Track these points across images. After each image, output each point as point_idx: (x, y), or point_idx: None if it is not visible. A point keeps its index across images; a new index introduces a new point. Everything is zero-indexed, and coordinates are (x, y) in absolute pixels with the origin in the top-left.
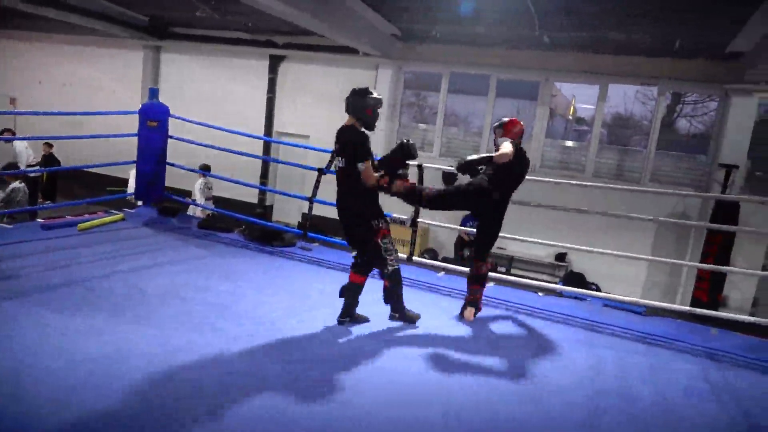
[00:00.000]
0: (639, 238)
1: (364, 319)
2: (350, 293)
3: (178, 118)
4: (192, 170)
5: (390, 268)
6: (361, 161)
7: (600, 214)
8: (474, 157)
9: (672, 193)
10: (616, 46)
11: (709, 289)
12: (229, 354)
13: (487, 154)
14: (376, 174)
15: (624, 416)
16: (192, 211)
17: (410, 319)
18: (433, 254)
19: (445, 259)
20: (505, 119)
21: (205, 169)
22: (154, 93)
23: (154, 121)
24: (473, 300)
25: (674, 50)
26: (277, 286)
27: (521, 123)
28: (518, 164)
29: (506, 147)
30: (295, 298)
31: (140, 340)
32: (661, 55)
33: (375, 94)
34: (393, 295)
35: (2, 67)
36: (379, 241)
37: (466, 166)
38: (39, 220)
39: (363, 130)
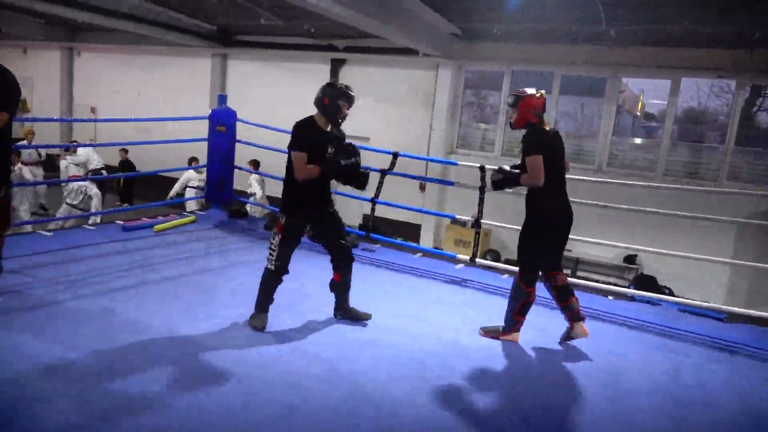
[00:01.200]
0: (718, 240)
1: (365, 317)
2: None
3: (245, 122)
4: (245, 169)
5: (267, 266)
6: (292, 149)
7: (671, 214)
8: (500, 177)
9: (750, 193)
10: (688, 38)
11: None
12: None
13: (516, 172)
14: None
15: (705, 425)
16: (252, 210)
17: (258, 322)
18: (495, 255)
19: (507, 261)
20: (523, 93)
21: (255, 165)
22: (222, 99)
23: (222, 125)
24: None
25: (753, 41)
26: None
27: (540, 95)
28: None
29: (536, 165)
30: (362, 297)
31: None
32: (739, 47)
33: (343, 88)
34: (259, 292)
35: (84, 79)
36: (271, 234)
37: (498, 187)
38: (119, 222)
39: (314, 122)
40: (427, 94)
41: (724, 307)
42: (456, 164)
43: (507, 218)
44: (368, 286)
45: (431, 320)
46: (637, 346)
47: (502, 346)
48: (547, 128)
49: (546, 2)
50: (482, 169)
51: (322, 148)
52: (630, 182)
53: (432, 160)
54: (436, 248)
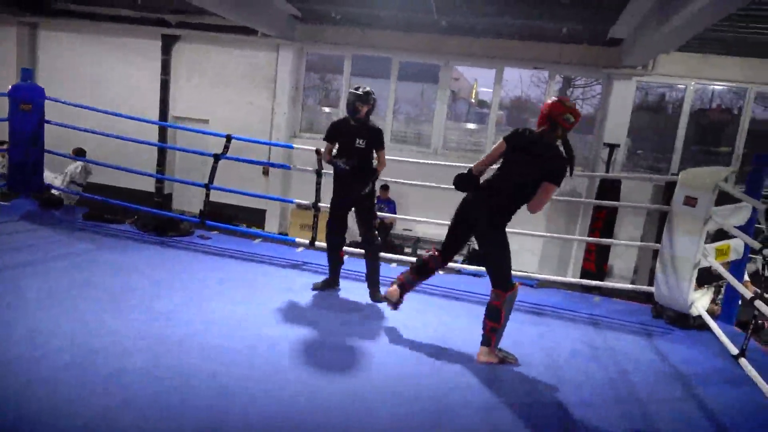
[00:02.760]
0: (533, 215)
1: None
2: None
3: (55, 100)
4: (69, 156)
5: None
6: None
7: None
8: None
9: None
10: (509, 31)
11: (596, 261)
12: (121, 350)
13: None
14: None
15: (518, 379)
16: (67, 199)
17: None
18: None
19: (352, 243)
20: (550, 101)
21: (79, 154)
22: (27, 74)
23: (27, 103)
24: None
25: (562, 36)
26: (172, 278)
27: (554, 106)
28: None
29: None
30: (192, 290)
31: (19, 340)
32: (551, 41)
33: (360, 92)
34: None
35: None
36: None
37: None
38: None
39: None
40: (268, 76)
41: (534, 274)
42: (292, 147)
43: None
44: (201, 275)
45: (267, 305)
46: (463, 314)
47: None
48: (535, 130)
49: None
50: (318, 152)
51: (349, 140)
52: (456, 164)
53: (266, 143)
54: (281, 234)
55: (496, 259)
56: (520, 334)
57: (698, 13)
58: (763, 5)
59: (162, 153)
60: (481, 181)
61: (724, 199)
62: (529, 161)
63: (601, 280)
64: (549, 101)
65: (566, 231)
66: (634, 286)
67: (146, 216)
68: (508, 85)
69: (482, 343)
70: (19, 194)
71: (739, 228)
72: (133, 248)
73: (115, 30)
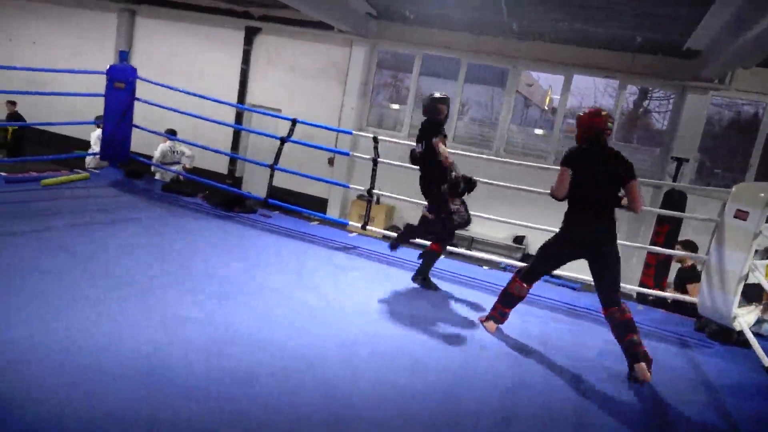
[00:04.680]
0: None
1: (435, 288)
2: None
3: (146, 80)
4: (158, 133)
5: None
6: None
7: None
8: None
9: None
10: (580, 37)
11: (655, 276)
12: (175, 305)
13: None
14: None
15: (542, 371)
16: (160, 175)
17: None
18: (397, 232)
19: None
20: (586, 113)
21: (171, 133)
22: (123, 56)
23: (121, 82)
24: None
25: (635, 45)
26: (230, 249)
27: (595, 116)
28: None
29: (558, 176)
30: (248, 261)
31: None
32: (623, 50)
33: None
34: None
35: None
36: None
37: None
38: (2, 173)
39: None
40: (340, 70)
41: (581, 277)
42: (351, 133)
43: (410, 194)
44: (257, 249)
45: (314, 282)
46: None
47: (374, 307)
48: (583, 146)
49: None
50: (375, 140)
51: None
52: (514, 161)
53: (328, 128)
54: (342, 219)
55: (614, 275)
56: (554, 331)
57: None
58: None
59: (236, 138)
60: (569, 208)
61: None
62: (600, 172)
63: None
64: (585, 113)
65: (628, 240)
66: (675, 294)
67: (216, 191)
68: (583, 93)
69: (639, 359)
70: (108, 163)
71: None
72: (200, 218)
73: (203, 19)
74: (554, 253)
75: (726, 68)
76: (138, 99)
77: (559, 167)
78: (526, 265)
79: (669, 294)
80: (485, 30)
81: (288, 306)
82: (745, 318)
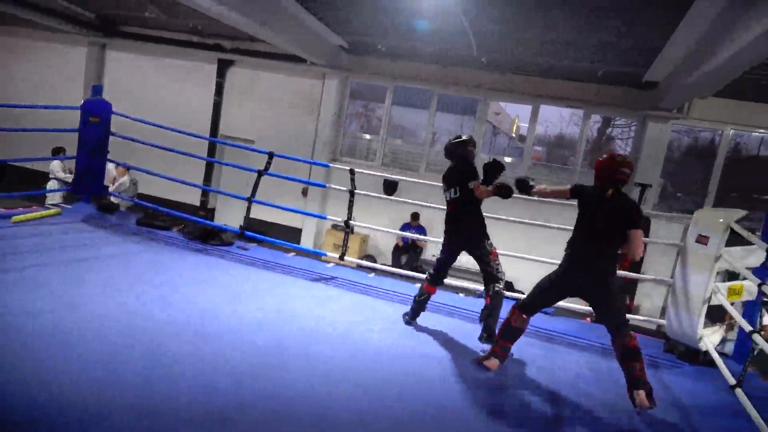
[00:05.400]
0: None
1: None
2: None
3: (121, 115)
4: (120, 164)
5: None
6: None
7: (519, 222)
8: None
9: None
10: (546, 70)
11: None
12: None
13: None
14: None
15: (518, 395)
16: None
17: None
18: (371, 260)
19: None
20: (603, 158)
21: (124, 171)
22: (97, 90)
23: (96, 116)
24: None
25: (598, 77)
26: (210, 283)
27: (611, 160)
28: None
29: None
30: (229, 294)
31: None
32: (587, 81)
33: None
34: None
35: None
36: (492, 261)
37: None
38: None
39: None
40: (313, 101)
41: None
42: (328, 166)
43: (384, 224)
44: (237, 282)
45: (294, 312)
46: (474, 335)
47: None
48: (597, 186)
49: (425, 25)
50: (352, 172)
51: None
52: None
53: (304, 161)
54: (319, 250)
55: (614, 309)
56: (528, 356)
57: (731, 59)
58: None
59: (209, 169)
60: (571, 244)
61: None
62: (605, 215)
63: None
64: (603, 158)
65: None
66: (643, 317)
67: (192, 225)
68: (550, 122)
69: (640, 386)
70: (80, 198)
71: (755, 269)
72: (178, 252)
73: (175, 52)
74: (556, 286)
75: (683, 98)
76: (113, 134)
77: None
78: (524, 296)
79: (638, 316)
80: (455, 62)
81: (273, 337)
82: (710, 338)
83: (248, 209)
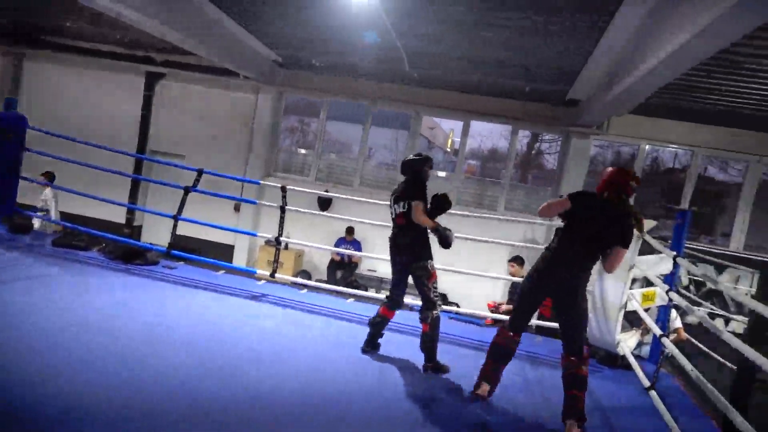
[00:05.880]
0: (496, 261)
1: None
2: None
3: (38, 130)
4: (35, 181)
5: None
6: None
7: (459, 238)
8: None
9: (519, 220)
10: (476, 87)
11: (552, 307)
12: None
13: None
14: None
15: (446, 401)
16: (43, 226)
17: (442, 369)
18: (306, 276)
19: (319, 281)
20: (614, 169)
21: (49, 179)
22: (11, 103)
23: (9, 131)
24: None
25: (525, 95)
26: (134, 305)
27: (625, 173)
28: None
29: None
30: (154, 316)
31: None
32: (515, 98)
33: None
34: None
35: None
36: (430, 283)
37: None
38: None
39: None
40: (247, 116)
41: (484, 313)
42: (259, 183)
43: (318, 239)
44: (161, 302)
45: (222, 331)
46: (411, 348)
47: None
48: (601, 195)
49: (356, 42)
50: (283, 189)
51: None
52: None
53: (234, 179)
54: (250, 268)
55: (582, 326)
56: (460, 366)
57: (641, 80)
58: (698, 77)
59: (135, 186)
60: (548, 246)
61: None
62: (600, 225)
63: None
64: (613, 169)
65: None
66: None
67: (114, 244)
68: (484, 136)
69: (574, 416)
70: None
71: (666, 276)
72: (98, 274)
73: (100, 64)
74: (535, 293)
75: (602, 116)
76: (29, 149)
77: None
78: (509, 316)
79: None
80: (389, 78)
81: (200, 358)
82: (627, 343)
83: (174, 227)
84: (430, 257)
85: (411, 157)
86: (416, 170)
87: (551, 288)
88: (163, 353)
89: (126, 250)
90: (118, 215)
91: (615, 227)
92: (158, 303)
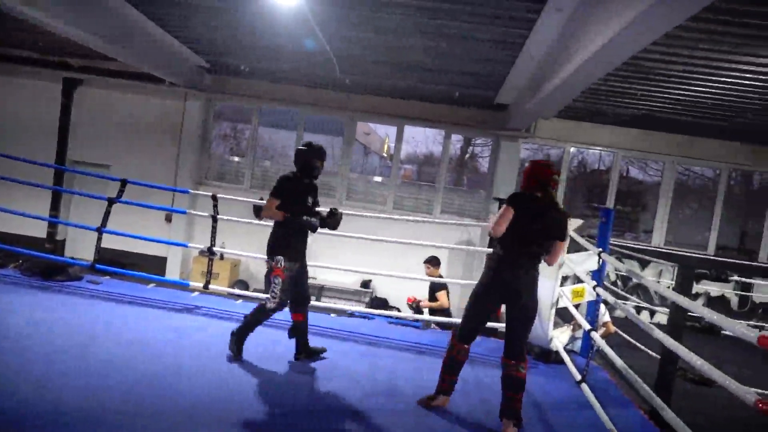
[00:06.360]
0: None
1: (321, 351)
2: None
3: None
4: None
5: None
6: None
7: (397, 242)
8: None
9: (457, 223)
10: (407, 91)
11: (505, 310)
12: None
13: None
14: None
15: (387, 412)
16: None
17: (237, 351)
18: (244, 286)
19: (256, 290)
20: (533, 165)
21: None
22: None
23: None
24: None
25: (455, 99)
26: (52, 325)
27: (537, 167)
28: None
29: (499, 214)
30: (75, 335)
31: None
32: (446, 103)
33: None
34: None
35: None
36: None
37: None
38: None
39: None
40: (175, 124)
41: (423, 317)
42: (188, 192)
43: (255, 248)
44: (85, 320)
45: (153, 347)
46: (347, 353)
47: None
48: (533, 194)
49: (284, 48)
50: (214, 198)
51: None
52: (363, 214)
53: (161, 188)
54: (182, 280)
55: (526, 328)
56: (399, 370)
57: (561, 85)
58: (615, 81)
59: (56, 198)
60: (493, 252)
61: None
62: (540, 223)
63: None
64: (531, 164)
65: (464, 278)
66: (501, 323)
67: (32, 260)
68: (417, 141)
69: (511, 416)
70: None
71: (593, 272)
72: (14, 292)
73: (14, 71)
74: (484, 302)
75: (529, 119)
76: None
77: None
78: (458, 325)
79: (500, 324)
80: (321, 84)
81: (128, 378)
82: (559, 338)
83: (99, 240)
84: (284, 254)
85: (300, 146)
86: (302, 160)
87: (503, 294)
88: (76, 372)
89: (46, 266)
90: (39, 230)
91: (552, 223)
92: (77, 320)
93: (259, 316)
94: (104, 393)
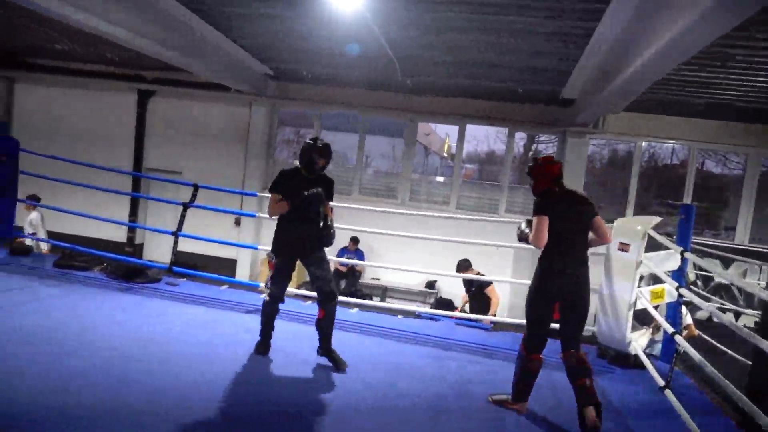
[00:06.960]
0: (500, 263)
1: (340, 363)
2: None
3: (30, 152)
4: (27, 201)
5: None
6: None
7: (461, 242)
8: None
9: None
10: (470, 90)
11: (559, 309)
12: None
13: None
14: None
15: (460, 412)
16: (36, 247)
17: (260, 350)
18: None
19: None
20: (537, 161)
21: (34, 200)
22: (2, 127)
23: (2, 155)
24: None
25: (519, 96)
26: (134, 325)
27: (548, 165)
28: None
29: (536, 225)
30: (156, 335)
31: None
32: (509, 100)
33: (318, 143)
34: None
35: None
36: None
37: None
38: None
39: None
40: (241, 130)
41: (490, 318)
42: (256, 195)
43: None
44: (167, 318)
45: (233, 348)
46: (415, 355)
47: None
48: (552, 191)
49: (346, 53)
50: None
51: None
52: (426, 214)
53: (231, 191)
54: (253, 282)
55: (581, 324)
56: (468, 372)
57: (630, 78)
58: (690, 71)
59: (134, 204)
60: (541, 259)
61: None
62: (572, 214)
63: None
64: (542, 162)
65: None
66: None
67: (114, 263)
68: (479, 140)
69: (589, 402)
70: None
71: (673, 272)
72: (99, 294)
73: (91, 84)
74: (543, 310)
75: (597, 114)
76: (23, 172)
77: (533, 216)
78: (525, 336)
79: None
80: (381, 86)
81: (206, 378)
82: (638, 341)
83: (175, 243)
84: (276, 250)
85: (307, 140)
86: (306, 157)
87: (558, 298)
88: (169, 378)
89: (127, 269)
90: (120, 234)
91: (581, 207)
92: (158, 320)
93: (264, 311)
94: (183, 391)
